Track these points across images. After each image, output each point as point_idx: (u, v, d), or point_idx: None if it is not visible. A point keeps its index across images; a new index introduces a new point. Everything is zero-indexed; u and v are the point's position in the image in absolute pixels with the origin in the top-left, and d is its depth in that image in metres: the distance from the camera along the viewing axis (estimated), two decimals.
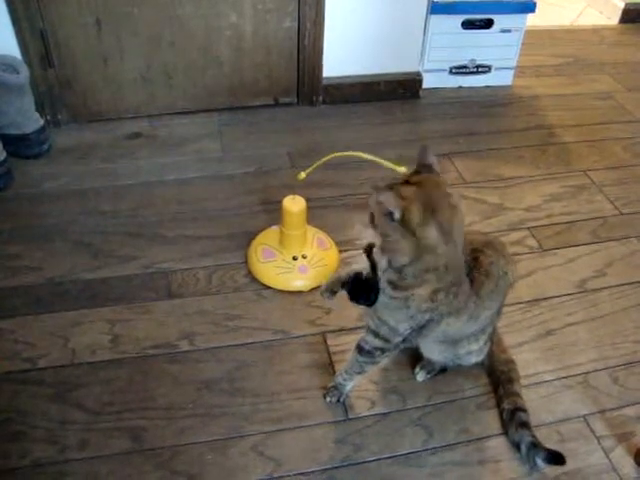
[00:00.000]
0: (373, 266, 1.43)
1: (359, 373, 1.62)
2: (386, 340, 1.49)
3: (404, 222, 1.26)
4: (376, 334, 1.49)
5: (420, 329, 1.46)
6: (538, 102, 2.99)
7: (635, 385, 1.76)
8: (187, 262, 2.04)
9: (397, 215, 1.26)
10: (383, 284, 1.41)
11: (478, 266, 1.42)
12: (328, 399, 1.67)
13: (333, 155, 1.78)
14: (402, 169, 1.66)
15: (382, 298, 1.42)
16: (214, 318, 1.88)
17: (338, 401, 1.67)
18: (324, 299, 1.59)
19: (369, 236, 1.37)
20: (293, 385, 1.71)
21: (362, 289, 1.46)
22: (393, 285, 1.38)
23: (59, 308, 1.88)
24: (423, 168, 1.35)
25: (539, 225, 2.26)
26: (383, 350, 1.52)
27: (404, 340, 1.51)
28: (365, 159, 1.77)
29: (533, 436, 1.56)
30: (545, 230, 2.24)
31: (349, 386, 1.66)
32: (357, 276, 1.48)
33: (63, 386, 1.68)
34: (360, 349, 1.55)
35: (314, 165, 1.85)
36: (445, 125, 2.79)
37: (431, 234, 1.28)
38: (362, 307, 1.51)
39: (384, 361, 1.63)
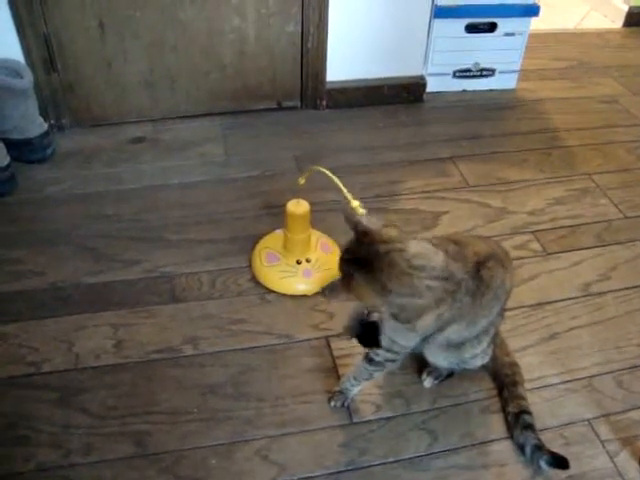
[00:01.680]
0: None
1: (367, 379, 1.63)
2: (398, 353, 1.51)
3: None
4: (388, 350, 1.51)
5: (425, 337, 1.49)
6: (542, 105, 2.99)
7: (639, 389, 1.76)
8: (191, 266, 2.04)
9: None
10: (387, 316, 1.44)
11: (480, 279, 1.42)
12: (333, 403, 1.67)
13: (317, 169, 1.80)
14: (361, 211, 1.72)
15: (390, 325, 1.44)
16: (218, 322, 1.88)
17: (343, 405, 1.67)
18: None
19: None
20: (297, 389, 1.71)
21: (369, 335, 1.53)
22: (396, 318, 1.41)
23: (63, 312, 1.88)
24: (362, 238, 1.35)
25: (543, 229, 2.26)
26: (394, 360, 1.54)
27: (413, 349, 1.53)
28: (337, 186, 1.78)
29: (537, 439, 1.56)
30: (549, 234, 2.24)
31: (355, 391, 1.66)
32: (363, 323, 1.58)
33: (67, 390, 1.68)
34: (370, 360, 1.56)
35: (307, 173, 1.85)
36: (449, 128, 2.79)
37: (398, 302, 1.36)
38: None
39: (394, 367, 1.63)
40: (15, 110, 2.32)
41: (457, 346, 1.57)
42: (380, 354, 1.52)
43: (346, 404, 1.67)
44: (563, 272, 2.10)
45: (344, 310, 1.89)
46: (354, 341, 1.63)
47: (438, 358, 1.63)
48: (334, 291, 1.38)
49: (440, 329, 1.45)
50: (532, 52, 3.16)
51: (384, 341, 1.50)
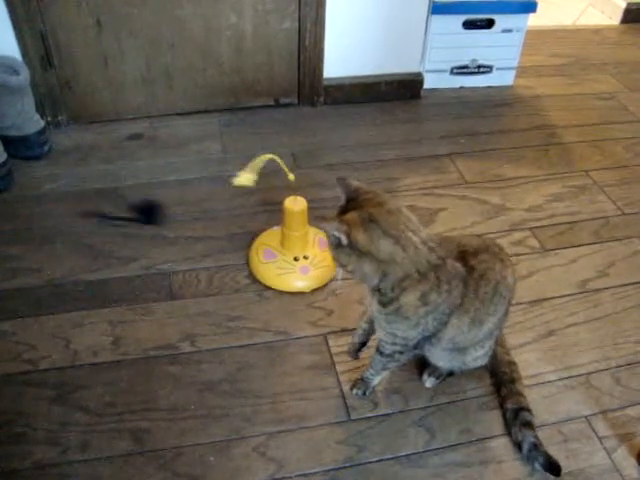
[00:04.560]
0: None
1: (383, 370, 1.64)
2: (403, 345, 1.51)
3: (353, 245, 1.32)
4: (392, 343, 1.51)
5: (429, 338, 1.48)
6: (539, 102, 2.99)
7: (637, 385, 1.75)
8: (188, 263, 2.04)
9: (344, 240, 1.31)
10: (375, 306, 1.44)
11: (470, 269, 1.42)
12: (354, 391, 1.68)
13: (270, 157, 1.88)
14: (291, 177, 1.83)
15: (382, 317, 1.45)
16: (215, 319, 1.87)
17: (364, 394, 1.68)
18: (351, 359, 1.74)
19: (340, 273, 1.44)
20: (295, 386, 1.71)
21: None
22: (381, 304, 1.41)
23: (60, 309, 1.88)
24: (353, 194, 1.37)
25: (541, 225, 2.26)
26: (402, 352, 1.55)
27: (418, 344, 1.52)
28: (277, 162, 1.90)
29: (536, 437, 1.56)
30: (547, 230, 2.24)
31: (376, 380, 1.67)
32: None
33: (64, 387, 1.68)
34: (381, 352, 1.57)
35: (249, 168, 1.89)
36: (446, 125, 2.79)
37: (383, 247, 1.32)
38: (374, 321, 1.56)
39: (406, 359, 1.63)
40: (12, 107, 2.31)
41: (461, 350, 1.57)
42: (387, 347, 1.53)
43: (367, 394, 1.68)
44: (561, 269, 2.10)
45: (342, 308, 1.90)
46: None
47: (443, 360, 1.64)
48: (325, 219, 1.36)
49: (442, 322, 1.44)
50: (530, 49, 3.16)
51: (384, 335, 1.51)
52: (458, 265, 1.41)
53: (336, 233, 1.31)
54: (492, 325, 1.53)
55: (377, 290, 1.40)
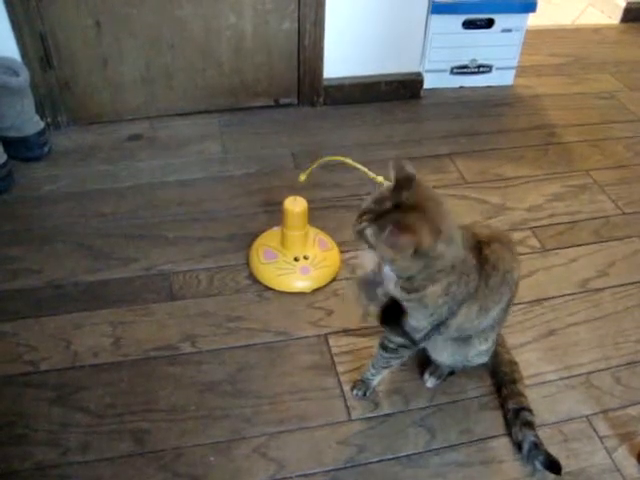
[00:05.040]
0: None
1: (385, 368, 1.64)
2: (410, 338, 1.51)
3: (417, 250, 1.26)
4: (401, 333, 1.50)
5: (438, 326, 1.47)
6: (539, 102, 2.99)
7: (638, 385, 1.75)
8: (188, 264, 2.04)
9: (411, 250, 1.25)
10: (396, 291, 1.41)
11: (484, 259, 1.41)
12: (355, 392, 1.68)
13: (326, 159, 1.84)
14: (380, 179, 1.75)
15: (400, 301, 1.44)
16: (216, 320, 1.87)
17: (365, 395, 1.68)
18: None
19: (371, 261, 1.39)
20: (295, 386, 1.71)
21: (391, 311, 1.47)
22: (406, 290, 1.39)
23: (60, 310, 1.88)
24: (404, 181, 1.34)
25: (541, 225, 2.26)
26: (407, 347, 1.54)
27: (426, 336, 1.51)
28: (351, 166, 1.87)
29: (536, 436, 1.56)
30: (547, 230, 2.24)
31: (376, 380, 1.67)
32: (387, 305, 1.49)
33: (65, 389, 1.68)
34: (384, 347, 1.57)
35: (310, 168, 1.86)
36: (446, 125, 2.79)
37: (441, 248, 1.29)
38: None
39: (410, 354, 1.63)
40: (11, 108, 2.31)
41: (465, 340, 1.56)
42: (393, 340, 1.53)
43: (367, 394, 1.68)
44: (561, 268, 2.10)
45: (342, 308, 1.90)
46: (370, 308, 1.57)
47: (444, 354, 1.62)
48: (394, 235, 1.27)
49: (452, 312, 1.43)
50: (529, 48, 3.16)
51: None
52: (471, 257, 1.40)
53: (405, 246, 1.24)
54: (496, 314, 1.52)
55: (408, 279, 1.36)
